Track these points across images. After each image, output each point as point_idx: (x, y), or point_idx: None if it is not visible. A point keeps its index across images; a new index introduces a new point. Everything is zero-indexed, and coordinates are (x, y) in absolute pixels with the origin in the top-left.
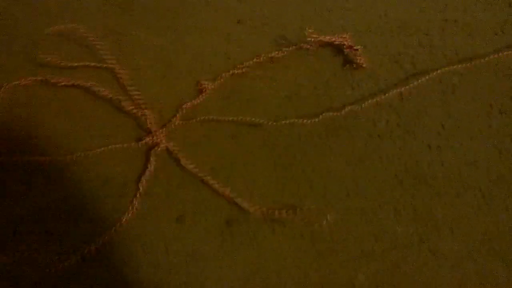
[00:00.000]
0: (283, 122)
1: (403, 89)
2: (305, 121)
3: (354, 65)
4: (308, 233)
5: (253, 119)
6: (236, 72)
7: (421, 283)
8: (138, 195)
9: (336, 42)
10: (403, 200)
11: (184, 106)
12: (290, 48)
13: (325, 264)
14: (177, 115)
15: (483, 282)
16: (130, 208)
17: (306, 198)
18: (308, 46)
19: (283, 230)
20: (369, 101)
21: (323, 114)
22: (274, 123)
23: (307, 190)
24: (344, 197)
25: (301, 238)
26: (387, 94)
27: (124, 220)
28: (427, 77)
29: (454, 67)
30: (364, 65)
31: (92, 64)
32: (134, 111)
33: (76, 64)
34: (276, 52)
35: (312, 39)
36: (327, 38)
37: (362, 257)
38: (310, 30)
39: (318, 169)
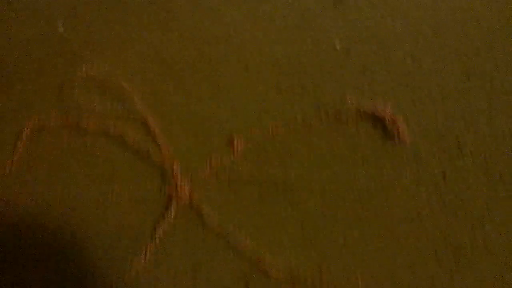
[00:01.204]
0: (314, 186)
1: (446, 168)
2: (337, 187)
3: (395, 140)
4: None
5: (283, 180)
6: (270, 134)
7: None
8: (153, 243)
9: (377, 115)
10: (441, 280)
11: (212, 162)
12: (329, 117)
13: None
14: (205, 170)
15: None
16: (144, 254)
17: (332, 266)
18: (346, 116)
19: None
20: (410, 178)
21: (358, 173)
22: (305, 186)
23: (335, 257)
24: (378, 272)
25: None
26: (429, 173)
27: (138, 266)
28: (472, 160)
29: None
30: (406, 141)
31: (124, 111)
32: (161, 162)
33: (109, 109)
34: (313, 120)
35: (352, 109)
36: (368, 109)
37: None
38: (349, 99)
39: (349, 241)
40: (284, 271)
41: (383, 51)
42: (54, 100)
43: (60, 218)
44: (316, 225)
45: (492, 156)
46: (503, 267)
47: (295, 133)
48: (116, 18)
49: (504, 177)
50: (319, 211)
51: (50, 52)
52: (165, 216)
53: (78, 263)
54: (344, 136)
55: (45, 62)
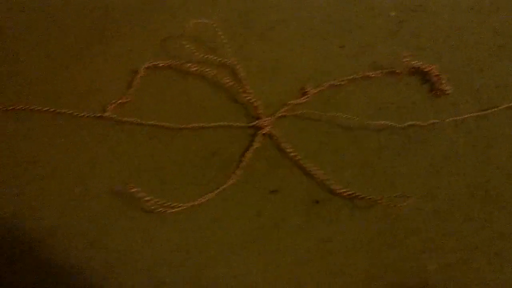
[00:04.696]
0: (373, 123)
1: (480, 114)
2: (392, 124)
3: (439, 92)
4: (385, 221)
5: (347, 118)
6: (334, 83)
7: (485, 280)
8: (240, 167)
9: (425, 69)
10: (472, 209)
11: (289, 102)
12: (384, 71)
13: (399, 250)
14: (282, 109)
15: None
16: (232, 176)
17: (386, 193)
18: (399, 71)
19: (364, 214)
20: (450, 119)
21: (408, 122)
22: (364, 124)
23: (388, 187)
24: (421, 198)
25: (378, 225)
26: (465, 119)
27: (226, 186)
28: (500, 108)
29: None
30: (448, 92)
31: (218, 58)
32: (248, 100)
33: (205, 56)
34: (371, 73)
35: (404, 63)
36: (417, 64)
37: (433, 250)
38: (404, 55)
39: (399, 172)
40: (347, 192)
41: (431, 20)
42: (160, 48)
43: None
44: (373, 162)
45: None
46: None
47: (355, 84)
48: None
49: None
50: (375, 150)
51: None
52: (250, 147)
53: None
54: (396, 88)
55: (150, 16)
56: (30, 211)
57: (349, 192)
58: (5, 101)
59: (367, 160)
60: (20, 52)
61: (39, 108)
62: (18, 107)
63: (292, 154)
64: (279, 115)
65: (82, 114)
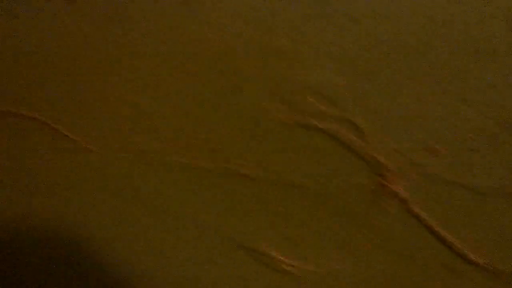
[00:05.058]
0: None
1: None
2: None
3: None
4: None
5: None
6: (467, 144)
7: None
8: (369, 229)
9: None
10: None
11: (417, 161)
12: None
13: None
14: (410, 168)
15: None
16: (363, 239)
17: None
18: None
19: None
20: None
21: None
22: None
23: None
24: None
25: None
26: None
27: (353, 248)
28: None
29: None
30: None
31: (341, 113)
32: (373, 157)
33: (328, 110)
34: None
35: None
36: None
37: None
38: None
39: None
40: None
41: None
42: (282, 102)
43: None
44: None
45: None
46: None
47: (494, 143)
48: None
49: None
50: None
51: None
52: (380, 209)
53: None
54: None
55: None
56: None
57: (486, 262)
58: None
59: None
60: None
61: (169, 158)
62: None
63: (422, 216)
64: (406, 174)
65: (210, 168)
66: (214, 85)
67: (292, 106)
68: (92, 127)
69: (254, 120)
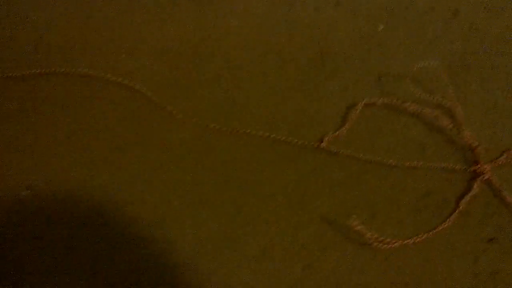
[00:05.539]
0: None
1: None
2: None
3: None
4: None
5: None
6: None
7: None
8: (456, 212)
9: None
10: None
11: (510, 149)
12: None
13: None
14: (504, 155)
15: None
16: (448, 220)
17: None
18: None
19: None
20: None
21: None
22: None
23: None
24: None
25: None
26: None
27: (441, 228)
28: None
29: None
30: None
31: (436, 99)
32: (467, 143)
33: (423, 96)
34: None
35: None
36: None
37: None
38: None
39: None
40: None
41: None
42: (375, 86)
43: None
44: None
45: None
46: None
47: None
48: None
49: None
50: None
51: (372, 45)
52: (467, 191)
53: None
54: None
55: (367, 54)
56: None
57: None
58: (221, 121)
59: None
60: (243, 79)
61: (255, 132)
62: (238, 131)
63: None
64: (501, 162)
65: (300, 142)
66: (313, 70)
67: (387, 91)
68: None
69: (348, 103)
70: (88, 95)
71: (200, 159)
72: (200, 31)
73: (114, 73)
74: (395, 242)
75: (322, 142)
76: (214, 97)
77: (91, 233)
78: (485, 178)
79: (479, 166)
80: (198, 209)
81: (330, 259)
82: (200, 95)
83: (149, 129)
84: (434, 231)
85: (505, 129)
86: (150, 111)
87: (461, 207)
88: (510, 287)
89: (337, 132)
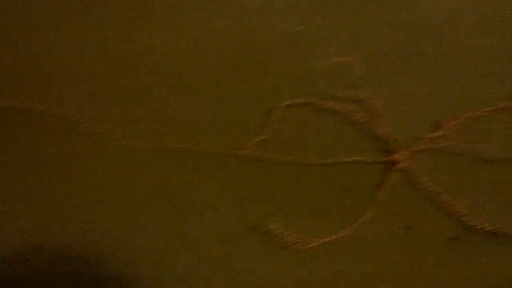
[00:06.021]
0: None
1: None
2: None
3: None
4: None
5: (488, 151)
6: (473, 115)
7: None
8: (374, 203)
9: None
10: None
11: (424, 136)
12: None
13: None
14: (418, 142)
15: None
16: (367, 212)
17: None
18: None
19: (508, 251)
20: None
21: None
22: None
23: None
24: None
25: None
26: None
27: (360, 221)
28: None
29: None
30: None
31: (354, 94)
32: (383, 134)
33: (340, 92)
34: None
35: None
36: None
37: None
38: None
39: None
40: (488, 226)
41: None
42: (296, 86)
43: (304, 170)
44: None
45: None
46: None
47: (495, 116)
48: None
49: None
50: None
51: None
52: (385, 181)
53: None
54: None
55: (287, 54)
56: (170, 249)
57: (491, 228)
58: (150, 138)
59: (509, 195)
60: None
61: (183, 146)
62: (168, 146)
63: (428, 189)
64: (415, 149)
65: (223, 151)
66: (230, 77)
67: (307, 91)
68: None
69: (267, 107)
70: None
71: (129, 176)
72: (127, 48)
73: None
74: (317, 241)
75: (245, 148)
76: (141, 113)
77: None
78: (400, 167)
79: (395, 155)
80: (128, 226)
81: (257, 265)
82: (128, 113)
83: (76, 151)
84: (352, 226)
85: (419, 118)
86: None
87: (378, 198)
88: (429, 273)
89: (259, 137)
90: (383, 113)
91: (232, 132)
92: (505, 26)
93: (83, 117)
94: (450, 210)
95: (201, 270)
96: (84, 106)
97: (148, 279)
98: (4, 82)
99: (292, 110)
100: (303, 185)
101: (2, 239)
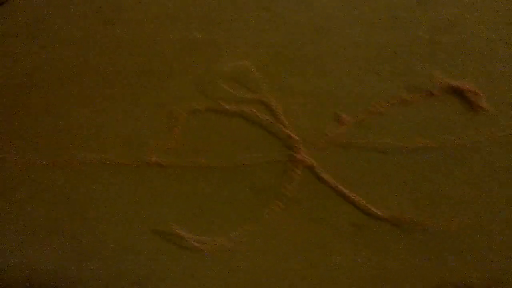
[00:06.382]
0: (413, 146)
1: None
2: (432, 146)
3: (478, 110)
4: (429, 240)
5: (387, 144)
6: (372, 109)
7: None
8: (280, 200)
9: (462, 87)
10: None
11: (326, 133)
12: (420, 93)
13: (444, 269)
14: (320, 139)
15: None
16: (273, 210)
17: (431, 215)
18: (436, 92)
19: (411, 238)
20: (490, 136)
21: (448, 142)
22: (404, 147)
23: (433, 208)
24: (464, 215)
25: (425, 246)
26: (507, 134)
27: (268, 219)
28: None
29: None
30: (486, 109)
31: (255, 96)
32: (286, 134)
33: (243, 95)
34: (408, 96)
35: (440, 83)
36: (454, 83)
37: (480, 266)
38: (439, 75)
39: (442, 193)
40: (391, 214)
41: (464, 37)
42: (199, 91)
43: (209, 174)
44: (416, 184)
45: None
46: None
47: (393, 109)
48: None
49: None
50: (417, 173)
51: (191, 52)
52: (290, 179)
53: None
54: (435, 109)
55: (187, 60)
56: (79, 257)
57: (390, 215)
58: (50, 153)
59: (410, 184)
60: (63, 104)
61: (84, 159)
62: (64, 160)
63: (332, 183)
64: (317, 146)
65: (127, 162)
66: (131, 86)
67: (207, 94)
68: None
69: (170, 113)
70: None
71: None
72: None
73: None
74: (224, 242)
75: (148, 157)
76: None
77: None
78: (304, 163)
79: (299, 153)
80: (26, 246)
81: (166, 270)
82: (25, 130)
83: None
84: (259, 224)
85: (320, 116)
86: None
87: (285, 195)
88: (338, 265)
89: (163, 145)
90: (286, 113)
91: (136, 140)
92: (394, 22)
93: None
94: (353, 201)
95: (106, 278)
96: None
97: None
98: None
99: (195, 115)
100: (209, 188)
101: None
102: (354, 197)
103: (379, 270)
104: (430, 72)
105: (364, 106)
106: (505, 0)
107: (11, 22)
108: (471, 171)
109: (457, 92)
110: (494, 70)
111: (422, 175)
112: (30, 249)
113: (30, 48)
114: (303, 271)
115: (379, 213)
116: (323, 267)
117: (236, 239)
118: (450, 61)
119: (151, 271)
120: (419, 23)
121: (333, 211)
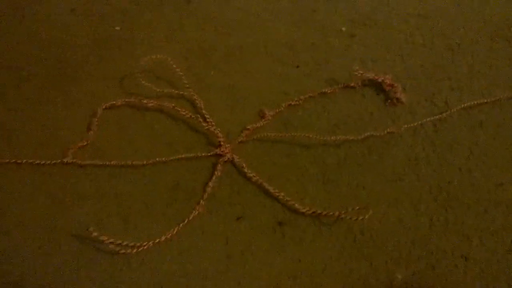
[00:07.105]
0: (332, 138)
1: (437, 118)
2: (351, 137)
3: (395, 101)
4: (352, 235)
5: (306, 137)
6: (292, 103)
7: (453, 284)
8: (203, 198)
9: (379, 80)
10: (437, 213)
11: (248, 127)
12: (339, 86)
13: (366, 264)
14: (242, 134)
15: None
16: (196, 208)
17: (351, 206)
18: (354, 84)
19: (330, 231)
20: (407, 125)
21: (366, 133)
22: (324, 140)
23: (353, 200)
24: (385, 208)
25: (345, 240)
26: (423, 125)
27: (190, 218)
28: (457, 108)
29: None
30: (403, 101)
31: (176, 91)
32: (208, 129)
33: (163, 90)
34: (327, 89)
35: (358, 76)
36: (371, 75)
37: (400, 258)
38: (356, 68)
39: (362, 184)
40: (312, 210)
41: (381, 30)
42: (120, 88)
43: (130, 172)
44: (335, 178)
45: (473, 108)
46: (486, 201)
47: (312, 102)
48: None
49: (483, 126)
50: (336, 165)
51: (111, 47)
52: (213, 175)
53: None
54: (353, 101)
55: (107, 56)
56: None
57: (312, 211)
58: None
59: (330, 176)
60: None
61: None
62: None
63: (254, 178)
64: (239, 140)
65: (43, 162)
66: (48, 84)
67: (129, 91)
68: None
69: (88, 111)
70: None
71: None
72: None
73: None
74: (146, 244)
75: (65, 156)
76: None
77: None
78: (226, 159)
79: (220, 148)
80: None
81: (87, 277)
82: None
83: None
84: (182, 224)
85: (242, 110)
86: None
87: (207, 192)
88: (261, 260)
89: (80, 144)
90: (207, 109)
91: (52, 139)
92: (314, 17)
93: None
94: (276, 197)
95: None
96: None
97: None
98: None
99: (114, 111)
100: (132, 187)
101: None
102: (277, 194)
103: (303, 266)
104: (348, 64)
105: (284, 99)
106: None
107: None
108: (390, 163)
109: (375, 84)
110: (410, 61)
111: (341, 168)
112: None
113: None
114: (228, 270)
115: (302, 209)
116: (247, 264)
117: (161, 242)
118: (367, 53)
119: (73, 278)
120: (337, 17)
121: (256, 207)
